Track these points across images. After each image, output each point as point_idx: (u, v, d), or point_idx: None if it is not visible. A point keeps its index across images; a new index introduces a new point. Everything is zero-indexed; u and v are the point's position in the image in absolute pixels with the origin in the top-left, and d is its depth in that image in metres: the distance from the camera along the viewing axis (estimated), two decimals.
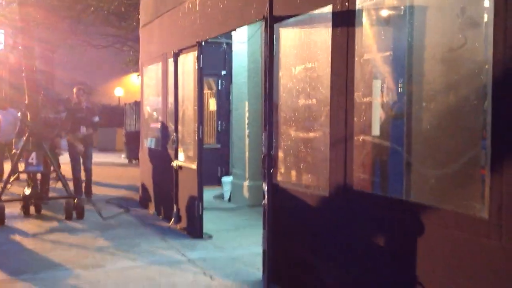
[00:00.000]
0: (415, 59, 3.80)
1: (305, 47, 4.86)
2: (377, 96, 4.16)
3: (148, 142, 9.61)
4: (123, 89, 35.51)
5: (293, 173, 5.12)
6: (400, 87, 3.93)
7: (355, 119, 4.06)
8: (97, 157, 21.09)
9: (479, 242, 2.92)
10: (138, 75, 12.53)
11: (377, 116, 4.17)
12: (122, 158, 20.11)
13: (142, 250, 6.48)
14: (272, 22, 4.79)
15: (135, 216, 8.65)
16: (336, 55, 4.22)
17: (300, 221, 4.78)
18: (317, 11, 4.45)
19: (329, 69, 4.31)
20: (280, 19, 4.86)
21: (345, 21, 4.13)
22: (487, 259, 2.87)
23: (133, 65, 20.46)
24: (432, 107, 3.66)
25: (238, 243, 6.85)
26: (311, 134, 4.80)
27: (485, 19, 3.02)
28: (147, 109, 9.81)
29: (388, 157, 4.24)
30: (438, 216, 3.21)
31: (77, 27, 19.67)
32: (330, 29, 4.28)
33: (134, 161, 17.67)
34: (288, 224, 4.91)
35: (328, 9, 4.28)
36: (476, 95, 3.20)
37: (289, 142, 5.09)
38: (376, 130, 4.16)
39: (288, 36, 5.06)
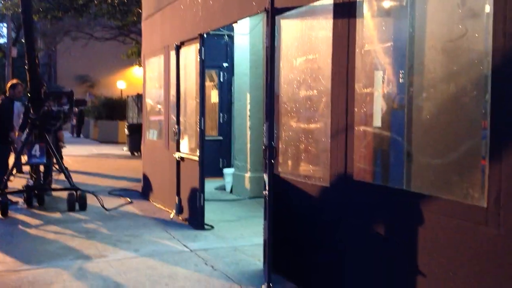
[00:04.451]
0: (416, 49, 3.81)
1: (306, 38, 4.87)
2: (377, 86, 4.17)
3: (150, 134, 9.65)
4: (125, 81, 35.54)
5: (294, 164, 5.15)
6: (401, 78, 3.94)
7: (356, 109, 4.08)
8: (99, 149, 21.26)
9: (478, 230, 2.95)
10: (140, 67, 12.55)
11: (378, 106, 4.18)
12: (124, 150, 20.18)
13: (144, 240, 6.52)
14: (273, 13, 4.80)
15: (137, 207, 8.70)
16: (337, 46, 4.24)
17: (301, 211, 4.81)
18: (318, 3, 4.46)
19: (330, 60, 4.33)
20: (282, 10, 4.87)
21: (346, 12, 4.15)
22: (486, 246, 2.90)
23: (136, 57, 20.47)
24: (432, 97, 3.68)
25: (240, 234, 6.89)
26: (312, 125, 4.83)
27: (486, 9, 3.03)
28: (149, 101, 9.84)
29: (389, 147, 4.26)
30: (438, 206, 3.24)
31: (80, 20, 19.68)
32: (331, 21, 4.30)
33: (136, 154, 17.73)
34: (289, 214, 4.95)
35: (329, 0, 4.30)
36: (476, 85, 3.21)
37: (290, 133, 5.11)
38: (376, 121, 4.18)
39: (289, 28, 5.08)
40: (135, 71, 31.36)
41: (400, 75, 3.99)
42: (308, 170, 4.88)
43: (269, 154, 4.84)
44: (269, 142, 4.84)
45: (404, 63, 3.91)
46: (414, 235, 3.43)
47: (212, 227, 7.15)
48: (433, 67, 3.71)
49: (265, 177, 4.85)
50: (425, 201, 3.35)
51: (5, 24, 29.86)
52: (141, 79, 10.39)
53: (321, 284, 4.53)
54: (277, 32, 4.98)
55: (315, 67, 4.72)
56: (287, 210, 4.97)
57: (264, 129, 4.89)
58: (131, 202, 9.11)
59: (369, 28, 4.16)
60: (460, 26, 3.36)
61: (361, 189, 4.03)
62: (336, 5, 4.23)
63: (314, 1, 4.51)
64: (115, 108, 25.89)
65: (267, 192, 4.80)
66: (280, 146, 5.13)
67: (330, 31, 4.31)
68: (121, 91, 33.52)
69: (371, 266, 3.92)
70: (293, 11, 4.84)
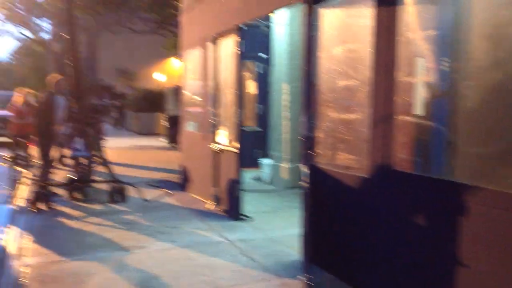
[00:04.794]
0: (461, 36, 3.69)
1: (345, 27, 4.78)
2: (419, 75, 4.06)
3: (188, 126, 9.71)
4: (164, 73, 35.85)
5: (333, 154, 5.08)
6: (444, 66, 3.82)
7: (397, 98, 3.98)
8: (138, 141, 21.56)
9: None
10: (179, 60, 12.63)
11: (420, 95, 4.07)
12: (161, 141, 20.40)
13: (183, 231, 6.58)
14: (313, 3, 4.73)
15: (176, 199, 8.78)
16: (378, 35, 4.14)
17: (340, 203, 4.75)
18: None
19: (370, 50, 4.24)
20: (321, 0, 4.79)
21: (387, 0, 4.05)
22: None
23: (174, 50, 20.61)
24: (477, 85, 3.55)
25: (277, 225, 6.87)
26: (351, 115, 4.74)
27: None
28: (187, 93, 9.88)
29: (431, 136, 4.14)
30: (482, 196, 3.13)
31: (120, 13, 19.96)
32: (372, 9, 4.20)
33: (174, 145, 17.90)
34: (328, 205, 4.89)
35: None
36: None
37: (328, 124, 5.04)
38: (418, 110, 4.07)
39: (328, 17, 4.99)
40: (173, 63, 31.62)
41: (444, 63, 3.87)
42: (347, 161, 4.80)
43: (307, 145, 4.79)
44: (307, 133, 4.79)
45: (448, 50, 3.78)
46: (457, 226, 3.33)
47: (249, 217, 7.15)
48: (479, 54, 3.58)
49: (303, 168, 4.81)
50: (468, 191, 3.24)
51: (48, 19, 30.58)
52: (179, 71, 10.45)
53: (360, 275, 4.47)
54: (316, 21, 4.90)
55: (355, 56, 4.63)
56: (325, 201, 4.91)
57: (302, 119, 4.85)
58: (169, 193, 9.20)
59: (412, 15, 4.05)
60: (507, 12, 3.23)
61: (401, 180, 3.94)
62: None
63: None
64: (153, 100, 26.14)
65: (305, 183, 4.76)
66: (318, 136, 5.06)
67: (371, 19, 4.21)
68: (160, 83, 33.88)
69: (412, 258, 3.83)
70: (332, 0, 4.75)
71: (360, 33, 4.54)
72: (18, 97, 11.69)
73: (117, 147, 18.37)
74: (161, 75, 35.45)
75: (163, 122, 19.96)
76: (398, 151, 4.03)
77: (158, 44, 25.70)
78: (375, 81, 4.21)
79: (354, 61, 4.66)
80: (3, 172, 12.27)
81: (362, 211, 4.43)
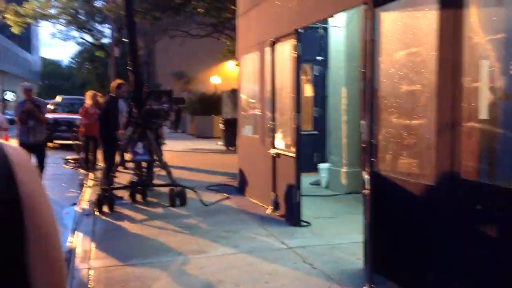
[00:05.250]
0: None
1: (407, 31, 4.67)
2: (486, 80, 3.92)
3: (246, 130, 9.76)
4: (220, 76, 36.24)
5: (395, 161, 4.97)
6: None
7: (463, 104, 3.86)
8: (195, 144, 21.87)
9: None
10: (236, 64, 12.72)
11: (487, 100, 3.92)
12: (218, 144, 20.62)
13: (243, 236, 6.61)
14: (374, 6, 4.65)
15: (234, 203, 8.84)
16: (442, 38, 4.02)
17: (404, 211, 4.64)
18: None
19: (434, 53, 4.12)
20: (383, 3, 4.70)
21: (452, 2, 3.92)
22: None
23: (230, 54, 20.80)
24: None
25: (337, 231, 6.79)
26: (414, 121, 4.62)
27: None
28: (244, 97, 9.94)
29: (500, 143, 3.99)
30: None
31: (177, 18, 20.34)
32: (436, 11, 4.09)
33: (231, 148, 18.05)
34: (391, 213, 4.79)
35: None
36: None
37: (390, 129, 4.94)
38: (485, 116, 3.93)
39: (389, 21, 4.89)
40: (229, 66, 31.90)
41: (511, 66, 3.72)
42: (410, 168, 4.69)
43: (369, 151, 4.71)
44: (368, 139, 4.71)
45: None
46: None
47: (308, 223, 7.11)
48: None
49: (364, 174, 4.73)
50: None
51: (108, 25, 31.54)
52: (235, 74, 10.53)
53: (424, 285, 4.35)
54: (376, 25, 4.82)
55: (418, 60, 4.51)
56: (388, 209, 4.81)
57: (363, 125, 4.77)
58: (228, 197, 9.27)
59: (477, 18, 3.91)
60: None
61: (469, 188, 3.81)
62: None
63: None
64: (210, 103, 26.47)
65: (366, 190, 4.68)
66: (379, 142, 4.97)
67: (435, 22, 4.10)
68: (216, 86, 34.27)
69: (479, 269, 3.70)
70: (394, 3, 4.65)
71: (423, 37, 4.43)
72: (87, 98, 12.11)
73: (175, 150, 18.71)
74: (217, 78, 35.84)
75: (220, 125, 20.17)
76: (466, 158, 3.90)
77: (214, 48, 25.97)
78: (439, 86, 4.09)
79: (417, 65, 4.55)
80: (69, 175, 12.75)
81: (426, 219, 4.31)
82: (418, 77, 4.52)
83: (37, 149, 9.01)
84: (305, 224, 7.08)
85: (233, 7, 13.90)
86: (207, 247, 6.14)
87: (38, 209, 0.99)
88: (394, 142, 4.91)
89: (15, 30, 26.53)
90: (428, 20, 4.26)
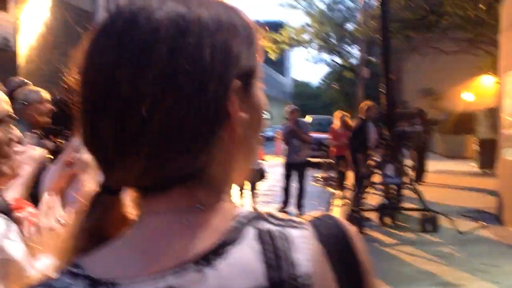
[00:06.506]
0: None
1: None
2: None
3: (507, 152, 8.91)
4: (473, 93, 34.09)
5: None
6: None
7: None
8: (445, 165, 20.74)
9: None
10: (496, 82, 11.83)
11: None
12: (471, 166, 19.26)
13: (504, 271, 6.01)
14: None
15: (492, 232, 8.10)
16: None
17: None
18: None
19: None
20: None
21: None
22: None
23: (490, 69, 19.34)
24: None
25: None
26: None
27: None
28: (508, 118, 9.09)
29: None
30: None
31: (429, 35, 19.78)
32: None
33: (487, 171, 16.67)
34: None
35: None
36: None
37: None
38: None
39: None
40: (483, 82, 29.77)
41: None
42: None
43: None
44: None
45: None
46: None
47: None
48: None
49: None
50: None
51: (357, 46, 32.32)
52: (490, 91, 9.75)
53: None
54: None
55: None
56: None
57: None
58: (485, 226, 8.55)
59: None
60: None
61: None
62: None
63: None
64: (461, 122, 25.01)
65: None
66: None
67: None
68: (467, 103, 32.23)
69: None
70: None
71: None
72: (336, 119, 12.55)
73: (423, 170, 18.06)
74: (470, 95, 33.75)
75: (474, 146, 18.87)
76: None
77: (466, 63, 24.50)
78: None
79: None
80: (318, 192, 13.28)
81: None
82: None
83: (300, 168, 9.74)
84: None
85: (492, 21, 12.91)
86: (462, 280, 5.74)
87: None
88: None
89: (272, 56, 28.89)
90: None
